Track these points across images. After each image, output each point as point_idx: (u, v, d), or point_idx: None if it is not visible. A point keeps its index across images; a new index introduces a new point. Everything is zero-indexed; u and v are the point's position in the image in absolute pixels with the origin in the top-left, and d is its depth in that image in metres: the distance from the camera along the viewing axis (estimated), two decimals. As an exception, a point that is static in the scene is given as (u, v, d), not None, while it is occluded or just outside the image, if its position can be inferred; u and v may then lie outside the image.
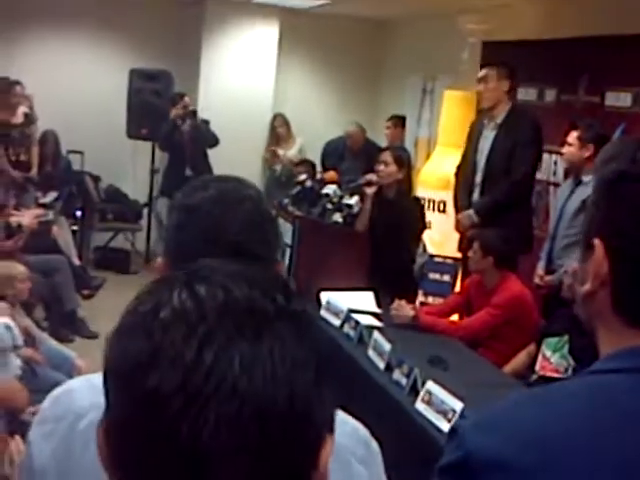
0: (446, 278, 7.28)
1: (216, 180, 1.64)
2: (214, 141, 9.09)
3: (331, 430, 0.82)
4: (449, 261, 7.24)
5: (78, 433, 1.39)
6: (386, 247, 5.68)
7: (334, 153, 9.42)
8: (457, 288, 6.32)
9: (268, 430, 0.74)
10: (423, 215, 5.96)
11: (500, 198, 5.97)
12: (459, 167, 6.59)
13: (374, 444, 1.53)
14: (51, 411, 1.44)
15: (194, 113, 9.10)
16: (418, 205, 6.02)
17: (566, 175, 6.35)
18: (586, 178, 5.44)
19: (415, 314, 5.19)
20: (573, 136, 5.49)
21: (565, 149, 5.56)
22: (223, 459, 0.73)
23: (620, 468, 1.04)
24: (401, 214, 5.75)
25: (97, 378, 1.49)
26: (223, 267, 0.85)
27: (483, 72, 6.23)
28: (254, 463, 0.74)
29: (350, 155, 9.37)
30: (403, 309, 5.21)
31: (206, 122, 9.22)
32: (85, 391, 1.44)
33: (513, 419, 1.11)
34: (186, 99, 9.06)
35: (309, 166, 8.88)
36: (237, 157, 9.60)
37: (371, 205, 5.84)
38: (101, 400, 1.40)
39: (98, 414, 1.39)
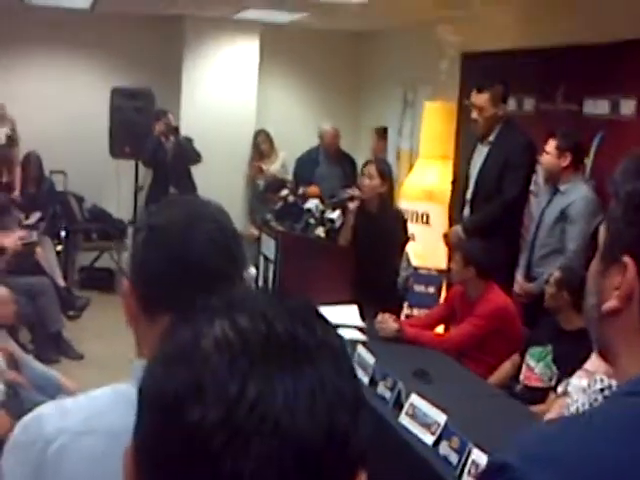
0: (431, 290, 7.30)
1: (181, 200, 1.66)
2: (197, 158, 9.09)
3: (364, 464, 0.82)
4: (434, 273, 7.26)
5: (48, 459, 1.41)
6: (370, 260, 5.68)
7: (306, 165, 9.32)
8: (442, 300, 6.32)
9: (307, 467, 0.74)
10: (406, 228, 5.96)
11: (489, 218, 5.94)
12: (455, 178, 6.61)
13: None
14: (21, 438, 1.44)
15: (176, 130, 9.11)
16: (401, 218, 6.02)
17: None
18: (563, 187, 5.50)
19: (399, 327, 5.18)
20: (551, 145, 5.53)
21: (543, 158, 5.60)
22: None
23: None
24: (384, 227, 5.75)
25: (69, 402, 1.51)
26: (259, 295, 0.85)
27: (477, 99, 6.05)
28: None
29: (325, 160, 9.31)
30: (387, 322, 5.20)
31: (189, 139, 9.23)
32: (55, 416, 1.45)
33: (563, 455, 1.05)
34: (169, 116, 9.07)
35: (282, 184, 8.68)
36: (220, 174, 9.63)
37: (354, 219, 5.84)
38: (69, 424, 1.42)
39: (67, 438, 1.41)
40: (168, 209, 1.56)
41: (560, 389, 4.18)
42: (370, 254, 5.67)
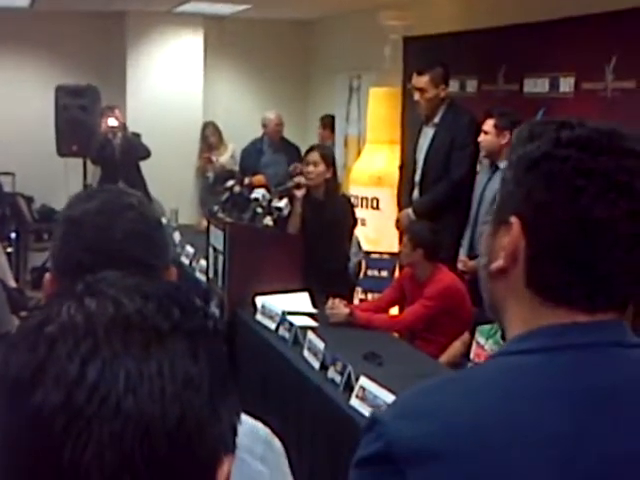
0: (384, 274, 7.32)
1: (99, 191, 1.65)
2: (145, 153, 9.03)
3: (229, 449, 0.80)
4: (386, 257, 7.30)
5: None
6: (319, 247, 5.68)
7: (251, 155, 9.32)
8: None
9: (155, 450, 0.72)
10: (353, 212, 5.98)
11: (438, 198, 6.03)
12: (402, 163, 6.66)
13: (276, 443, 1.54)
14: None
15: (124, 126, 9.05)
16: (347, 202, 6.04)
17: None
18: (503, 164, 5.57)
19: (350, 312, 5.19)
20: (489, 124, 5.64)
21: (482, 137, 5.70)
22: (106, 479, 0.71)
23: (537, 448, 1.05)
24: (331, 213, 5.76)
25: None
26: (121, 280, 0.82)
27: (417, 82, 6.15)
28: None
29: (269, 149, 9.32)
30: (338, 308, 5.20)
31: (137, 135, 9.18)
32: None
33: (434, 408, 1.10)
34: (116, 112, 9.01)
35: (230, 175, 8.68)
36: (169, 167, 9.60)
37: (301, 207, 5.85)
38: None
39: None
40: (86, 201, 1.55)
41: None
42: (319, 241, 5.68)
